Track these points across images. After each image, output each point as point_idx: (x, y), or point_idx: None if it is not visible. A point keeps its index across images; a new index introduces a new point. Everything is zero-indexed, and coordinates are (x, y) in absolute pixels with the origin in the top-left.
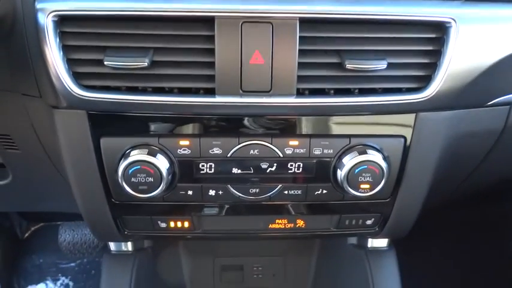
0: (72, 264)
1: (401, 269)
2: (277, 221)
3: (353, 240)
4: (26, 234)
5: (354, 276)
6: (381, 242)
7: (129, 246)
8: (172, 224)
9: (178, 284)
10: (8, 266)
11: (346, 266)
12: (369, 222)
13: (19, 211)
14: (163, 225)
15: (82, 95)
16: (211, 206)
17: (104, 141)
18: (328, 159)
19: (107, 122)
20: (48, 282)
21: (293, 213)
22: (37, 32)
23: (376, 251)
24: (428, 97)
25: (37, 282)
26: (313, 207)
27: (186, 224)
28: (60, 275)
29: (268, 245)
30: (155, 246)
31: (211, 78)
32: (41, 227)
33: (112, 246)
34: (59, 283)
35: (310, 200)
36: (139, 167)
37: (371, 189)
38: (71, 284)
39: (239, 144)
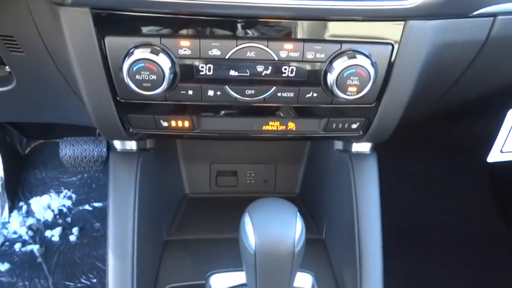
0: (74, 178)
1: (380, 171)
2: (270, 123)
3: (339, 145)
4: (27, 151)
5: (338, 178)
6: (364, 147)
7: (133, 145)
8: (173, 124)
9: (177, 186)
10: (13, 180)
11: (331, 169)
12: (354, 126)
13: (22, 121)
14: (165, 124)
15: None
16: (209, 107)
17: (109, 40)
18: (319, 63)
19: (110, 21)
20: (51, 194)
21: (285, 116)
22: None
23: (359, 154)
24: (416, 4)
25: (41, 194)
26: (303, 111)
27: (187, 124)
28: (62, 188)
29: (260, 154)
30: (157, 149)
31: None
32: (40, 143)
33: (118, 145)
34: (62, 195)
35: (301, 102)
36: (143, 64)
37: (358, 92)
38: (73, 196)
39: (237, 46)
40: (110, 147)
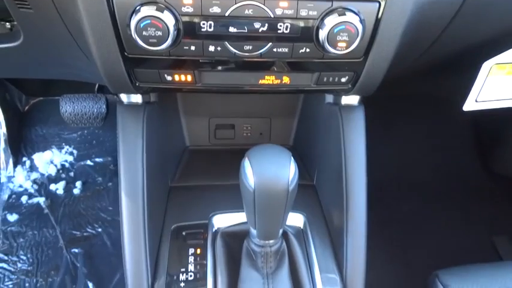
0: (74, 135)
1: (367, 124)
2: (266, 77)
3: (329, 99)
4: (26, 108)
5: (328, 129)
6: (353, 100)
7: (139, 98)
8: (177, 78)
9: (179, 139)
10: (15, 136)
11: (322, 121)
12: (343, 79)
13: (26, 77)
14: (169, 78)
15: None
16: (210, 61)
17: None
18: (312, 20)
19: None
20: (53, 150)
21: (280, 70)
22: None
23: (348, 106)
24: None
25: (43, 150)
26: (297, 65)
27: (189, 78)
28: (64, 144)
29: (256, 108)
30: (160, 103)
31: None
32: (39, 101)
33: (124, 98)
34: (63, 151)
35: (295, 57)
36: (149, 21)
37: (347, 47)
38: (75, 152)
39: (236, 4)
40: (108, 105)
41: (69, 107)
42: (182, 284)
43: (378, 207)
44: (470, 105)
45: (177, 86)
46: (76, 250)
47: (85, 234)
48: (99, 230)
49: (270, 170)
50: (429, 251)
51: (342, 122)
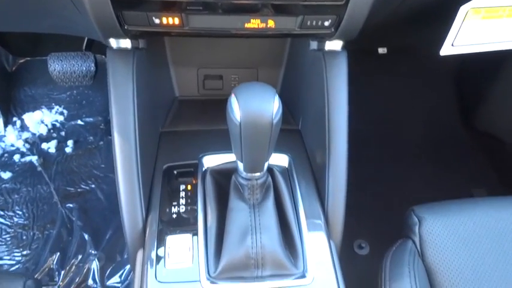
0: (64, 95)
1: (348, 67)
2: (252, 20)
3: (314, 45)
4: (14, 68)
5: (312, 74)
6: (336, 45)
7: (128, 43)
8: (164, 21)
9: (168, 89)
10: (3, 96)
11: (307, 68)
12: (326, 23)
13: (12, 31)
14: (157, 21)
15: None
16: (197, 3)
17: None
18: None
19: None
20: (43, 110)
21: (265, 14)
22: None
23: (332, 52)
24: None
25: (33, 110)
26: (281, 9)
27: (176, 21)
28: (53, 104)
29: (243, 59)
30: (149, 52)
31: None
32: (27, 61)
33: (114, 43)
34: (53, 111)
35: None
36: None
37: None
38: (65, 112)
39: None
40: (97, 64)
41: (57, 65)
42: (174, 216)
43: (359, 162)
44: (446, 49)
45: (165, 30)
46: (71, 205)
47: (79, 190)
48: (93, 186)
49: (256, 104)
50: (408, 201)
51: (325, 67)
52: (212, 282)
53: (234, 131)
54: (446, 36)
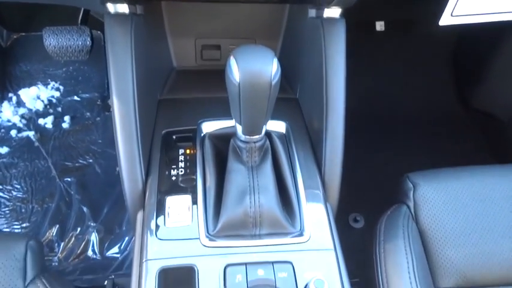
0: (59, 71)
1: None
2: None
3: (312, 13)
4: (8, 43)
5: (311, 43)
6: (334, 13)
7: (125, 8)
8: None
9: (166, 58)
10: None
11: (305, 37)
12: None
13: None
14: None
15: None
16: None
17: None
18: None
19: None
20: (39, 86)
21: None
22: None
23: (330, 19)
24: None
25: (29, 86)
26: None
27: None
28: (49, 80)
29: (241, 29)
30: (146, 20)
31: None
32: (21, 36)
33: (111, 8)
34: (49, 87)
35: None
36: None
37: None
38: (61, 87)
39: None
40: (93, 38)
41: (52, 39)
42: (173, 178)
43: (354, 137)
44: (446, 19)
45: None
46: (69, 179)
47: (77, 165)
48: (90, 161)
49: (254, 65)
50: (403, 175)
51: (323, 34)
52: (211, 240)
53: (233, 92)
54: (445, 7)
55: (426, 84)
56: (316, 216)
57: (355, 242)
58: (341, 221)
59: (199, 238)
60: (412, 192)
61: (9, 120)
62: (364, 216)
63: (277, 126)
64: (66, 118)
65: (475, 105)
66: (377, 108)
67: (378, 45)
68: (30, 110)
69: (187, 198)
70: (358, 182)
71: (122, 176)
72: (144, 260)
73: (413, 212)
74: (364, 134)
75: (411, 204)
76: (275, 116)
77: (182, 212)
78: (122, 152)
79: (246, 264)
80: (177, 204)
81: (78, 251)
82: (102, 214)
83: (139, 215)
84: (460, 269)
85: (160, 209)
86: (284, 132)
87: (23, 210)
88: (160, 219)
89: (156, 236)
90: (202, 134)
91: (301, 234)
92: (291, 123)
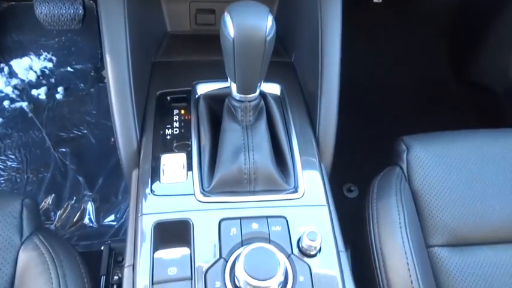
0: (52, 41)
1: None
2: None
3: None
4: None
5: (307, 10)
6: None
7: None
8: None
9: (160, 22)
10: None
11: (301, 3)
12: None
13: None
14: None
15: None
16: None
17: None
18: None
19: None
20: (32, 56)
21: None
22: None
23: None
24: None
25: (21, 57)
26: None
27: None
28: (42, 50)
29: None
30: None
31: None
32: (11, 5)
33: None
34: (42, 57)
35: None
36: None
37: None
38: (54, 58)
39: None
40: (85, 7)
41: (44, 8)
42: (168, 137)
43: (349, 109)
44: None
45: None
46: (64, 150)
47: (71, 135)
48: (85, 131)
49: (249, 20)
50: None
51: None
52: (206, 195)
53: (228, 48)
54: None
55: (421, 56)
56: (310, 175)
57: (350, 212)
58: (335, 191)
59: (194, 194)
60: (405, 154)
61: (1, 91)
62: (358, 186)
63: (272, 88)
64: (60, 89)
65: (470, 77)
66: (370, 80)
67: (374, 17)
68: (22, 80)
69: (182, 156)
70: (351, 152)
71: (117, 136)
72: (139, 215)
73: (406, 173)
74: (358, 105)
75: (404, 166)
76: (270, 79)
77: (177, 170)
78: (116, 112)
79: (240, 218)
80: (172, 162)
81: (75, 220)
82: (98, 184)
83: (135, 173)
84: (450, 227)
85: (155, 167)
86: (279, 94)
87: (18, 180)
88: (155, 176)
89: (151, 191)
90: (197, 96)
91: (295, 191)
92: (286, 86)
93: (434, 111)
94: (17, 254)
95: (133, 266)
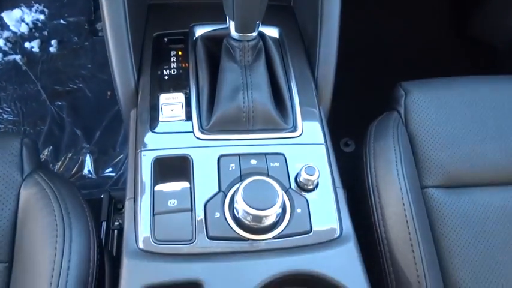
0: None
1: None
2: None
3: None
4: None
5: None
6: None
7: None
8: None
9: None
10: None
11: None
12: None
13: None
14: None
15: None
16: None
17: None
18: None
19: None
20: (23, 8)
21: None
22: None
23: None
24: None
25: (12, 8)
26: None
27: None
28: (33, 2)
29: None
30: None
31: None
32: None
33: None
34: (33, 9)
35: None
36: None
37: None
38: (46, 10)
39: None
40: None
41: None
42: (166, 78)
43: (348, 68)
44: None
45: None
46: (60, 103)
47: (67, 89)
48: (81, 85)
49: None
50: None
51: None
52: (205, 133)
53: None
54: None
55: (420, 12)
56: (308, 115)
57: (347, 166)
58: (332, 146)
59: (193, 131)
60: (403, 98)
61: None
62: (355, 140)
63: (271, 32)
64: (53, 42)
65: (468, 32)
66: (370, 39)
67: None
68: (15, 33)
69: (180, 95)
70: (348, 107)
71: (114, 76)
72: (139, 151)
73: (403, 117)
74: (354, 61)
75: (402, 110)
76: (269, 23)
77: (175, 108)
78: (113, 53)
79: (239, 155)
80: (170, 101)
81: (73, 171)
82: (95, 137)
83: (133, 113)
84: (446, 168)
85: (153, 106)
86: (278, 37)
87: (15, 133)
88: (154, 114)
89: (150, 129)
90: (194, 37)
91: (293, 130)
92: (285, 29)
93: (430, 66)
94: (19, 191)
95: (134, 199)
